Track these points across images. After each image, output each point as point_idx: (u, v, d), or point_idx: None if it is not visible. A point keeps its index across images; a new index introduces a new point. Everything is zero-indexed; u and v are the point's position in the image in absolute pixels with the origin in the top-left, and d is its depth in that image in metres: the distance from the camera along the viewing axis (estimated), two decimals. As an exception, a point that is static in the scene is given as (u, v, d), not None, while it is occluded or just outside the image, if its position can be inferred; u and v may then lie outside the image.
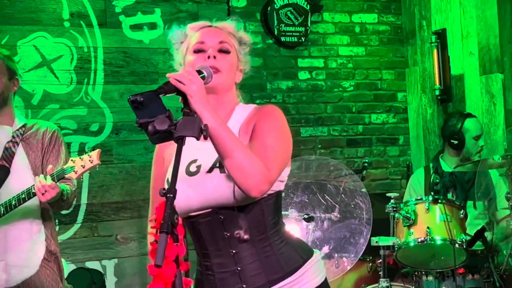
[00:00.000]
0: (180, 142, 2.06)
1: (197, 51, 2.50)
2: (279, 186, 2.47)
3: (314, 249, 2.64)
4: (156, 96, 2.13)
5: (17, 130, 3.83)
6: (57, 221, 5.39)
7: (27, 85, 5.37)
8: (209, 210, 2.41)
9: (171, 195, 1.97)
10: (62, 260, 4.95)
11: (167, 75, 2.22)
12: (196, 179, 2.41)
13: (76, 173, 3.46)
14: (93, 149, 3.58)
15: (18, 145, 3.79)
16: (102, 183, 5.61)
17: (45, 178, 3.44)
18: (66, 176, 3.47)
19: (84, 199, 5.54)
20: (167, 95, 2.17)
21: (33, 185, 3.50)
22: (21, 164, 3.77)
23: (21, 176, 3.72)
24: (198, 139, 2.07)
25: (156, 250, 1.88)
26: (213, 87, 2.43)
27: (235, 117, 2.52)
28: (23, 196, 3.55)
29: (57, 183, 3.47)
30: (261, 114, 2.48)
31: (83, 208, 5.53)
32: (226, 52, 2.50)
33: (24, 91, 5.34)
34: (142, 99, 2.11)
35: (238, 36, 2.58)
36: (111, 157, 5.65)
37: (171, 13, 5.90)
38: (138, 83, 5.74)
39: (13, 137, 3.80)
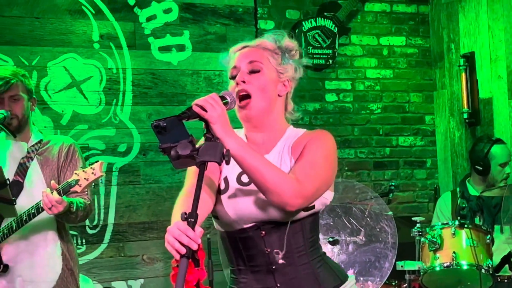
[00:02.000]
0: (202, 167, 2.08)
1: (232, 77, 2.54)
2: (319, 207, 2.49)
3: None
4: (179, 121, 2.15)
5: (33, 145, 3.86)
6: (84, 240, 5.44)
7: (57, 106, 5.43)
8: (252, 224, 2.44)
9: (192, 220, 1.99)
10: (88, 280, 5.00)
11: (193, 102, 2.24)
12: (248, 190, 2.44)
13: (80, 186, 3.47)
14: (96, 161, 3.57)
15: (32, 160, 3.82)
16: (129, 203, 5.64)
17: (51, 193, 3.45)
18: (71, 189, 3.48)
19: (111, 219, 5.57)
20: (190, 120, 2.19)
21: (41, 200, 3.52)
22: (35, 179, 3.80)
23: (35, 191, 3.74)
24: (220, 164, 2.09)
25: (177, 274, 1.89)
26: (248, 114, 2.48)
27: (285, 140, 2.54)
28: (33, 211, 3.56)
29: (64, 196, 3.48)
30: (312, 135, 2.52)
31: (110, 228, 5.56)
32: (257, 71, 2.51)
33: (54, 111, 5.41)
34: (165, 124, 2.14)
35: (277, 47, 2.56)
36: (138, 178, 5.68)
37: (200, 35, 5.94)
38: (166, 104, 5.78)
39: (28, 152, 3.84)
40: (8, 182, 3.44)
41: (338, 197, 4.57)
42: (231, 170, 2.49)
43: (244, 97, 2.48)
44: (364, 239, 4.41)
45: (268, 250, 2.44)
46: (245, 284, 2.51)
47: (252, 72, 2.51)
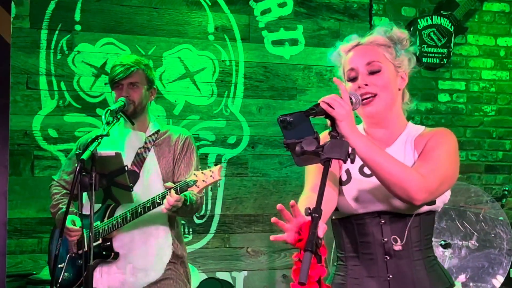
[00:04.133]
0: (327, 164, 2.05)
1: (351, 79, 2.53)
2: (439, 206, 2.50)
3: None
4: (305, 117, 2.13)
5: (150, 136, 3.91)
6: (191, 230, 5.51)
7: (170, 96, 5.52)
8: (371, 212, 2.45)
9: (317, 215, 1.97)
10: (194, 268, 5.06)
11: (320, 99, 2.23)
12: (370, 181, 2.44)
13: (198, 187, 3.47)
14: (224, 162, 3.59)
15: (149, 150, 3.88)
16: (236, 195, 5.68)
17: (170, 193, 3.49)
18: (188, 189, 3.50)
19: (218, 210, 5.62)
20: (316, 117, 2.17)
21: (158, 195, 3.56)
22: (151, 170, 3.85)
23: (150, 181, 3.81)
24: (345, 162, 2.06)
25: (300, 268, 1.87)
26: (371, 111, 2.48)
27: (406, 135, 2.55)
28: (148, 204, 3.61)
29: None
30: (435, 132, 2.52)
31: (216, 219, 5.61)
32: (377, 71, 2.50)
33: (167, 101, 5.50)
34: (291, 119, 2.12)
35: (390, 40, 2.55)
36: (246, 170, 5.72)
37: (313, 30, 5.92)
38: (277, 98, 5.79)
39: (145, 142, 3.90)
40: (126, 168, 3.50)
41: (451, 199, 4.47)
42: (345, 163, 2.47)
43: (368, 97, 2.48)
44: (476, 243, 4.30)
45: (385, 239, 2.45)
46: (354, 272, 2.51)
47: (372, 73, 2.50)
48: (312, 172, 2.48)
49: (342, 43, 2.62)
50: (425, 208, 2.42)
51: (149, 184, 3.79)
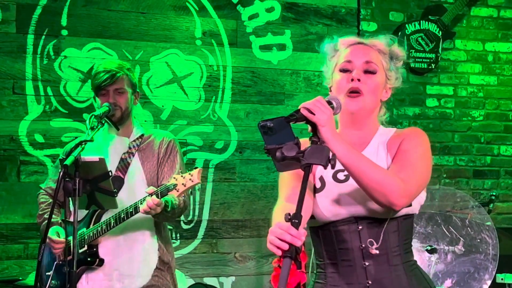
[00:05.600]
0: (307, 169, 2.05)
1: (343, 70, 2.52)
2: (415, 208, 2.49)
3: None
4: (286, 123, 2.13)
5: (134, 141, 3.91)
6: (178, 235, 5.49)
7: (157, 101, 5.51)
8: (348, 218, 2.44)
9: (297, 221, 1.97)
10: (181, 274, 5.05)
11: (301, 105, 2.22)
12: (345, 186, 2.44)
13: (177, 191, 3.49)
14: (197, 167, 3.60)
15: (133, 155, 3.87)
16: (223, 200, 5.67)
17: (150, 197, 3.49)
18: (168, 193, 3.50)
19: (205, 215, 5.61)
20: (297, 123, 2.17)
21: (140, 200, 3.55)
22: (135, 175, 3.84)
23: (135, 187, 3.80)
24: (325, 167, 2.06)
25: (279, 274, 1.87)
26: (355, 111, 2.48)
27: (378, 137, 2.55)
28: (131, 210, 3.60)
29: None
30: (407, 133, 2.52)
31: (204, 224, 5.60)
32: (372, 72, 2.51)
33: (154, 106, 5.48)
34: (272, 125, 2.12)
35: (389, 52, 2.57)
36: (234, 175, 5.71)
37: (301, 35, 5.92)
38: (264, 103, 5.78)
39: (129, 148, 3.89)
40: (110, 174, 3.50)
41: (437, 204, 4.48)
42: (326, 169, 2.47)
43: (355, 92, 2.48)
44: (463, 249, 4.30)
45: (363, 245, 2.43)
46: (333, 279, 2.49)
47: (367, 72, 2.50)
48: (286, 182, 2.47)
49: (341, 38, 2.61)
50: (403, 211, 2.41)
51: (134, 189, 3.78)
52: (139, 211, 3.57)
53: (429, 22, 6.25)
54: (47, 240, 3.60)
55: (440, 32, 6.27)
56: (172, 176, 3.55)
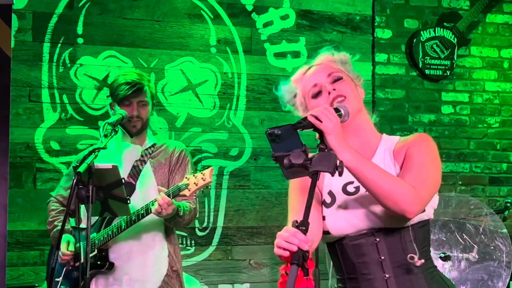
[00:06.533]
0: (315, 177, 2.06)
1: (316, 95, 2.54)
2: (430, 213, 2.48)
3: None
4: (293, 130, 2.14)
5: (146, 149, 3.97)
6: (193, 242, 5.51)
7: (172, 108, 5.53)
8: (364, 231, 2.43)
9: (304, 228, 1.98)
10: (196, 281, 5.07)
11: (308, 112, 2.24)
12: (356, 199, 2.44)
13: (189, 190, 3.54)
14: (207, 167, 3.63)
15: (145, 163, 3.93)
16: (238, 207, 5.68)
17: (161, 195, 3.54)
18: (180, 193, 3.55)
19: (220, 222, 5.62)
20: (304, 130, 2.18)
21: (151, 201, 3.60)
22: (146, 182, 3.89)
23: (146, 193, 3.84)
24: (332, 175, 2.06)
25: (286, 282, 1.88)
26: (350, 113, 2.45)
27: (383, 146, 2.54)
28: (142, 211, 3.66)
29: (174, 200, 3.57)
30: (413, 140, 2.51)
31: (218, 231, 5.61)
32: (339, 79, 2.53)
33: (169, 113, 5.51)
34: (279, 132, 2.14)
35: (338, 60, 2.60)
36: (248, 182, 5.72)
37: (315, 42, 5.93)
38: (279, 110, 5.77)
39: (142, 155, 3.95)
40: (123, 181, 3.52)
41: (451, 212, 4.47)
42: (334, 182, 2.50)
43: (340, 97, 2.49)
44: (477, 256, 4.29)
45: (383, 257, 2.42)
46: None
47: (335, 80, 2.52)
48: (294, 195, 2.50)
49: (288, 79, 2.65)
50: (416, 217, 2.40)
51: (145, 195, 3.82)
52: (150, 213, 3.61)
53: (444, 29, 6.24)
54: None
55: (456, 39, 6.26)
56: (184, 176, 3.60)
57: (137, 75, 3.95)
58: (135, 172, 3.90)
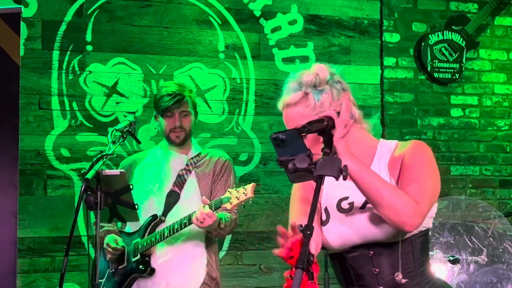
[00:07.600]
0: (319, 181, 2.07)
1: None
2: (428, 223, 2.46)
3: None
4: (298, 134, 2.16)
5: (191, 158, 4.04)
6: (203, 247, 5.51)
7: (181, 114, 5.55)
8: (359, 245, 2.43)
9: (309, 232, 1.98)
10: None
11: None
12: (350, 215, 2.43)
13: (231, 203, 3.59)
14: (249, 182, 3.70)
15: (190, 172, 3.99)
16: (248, 212, 5.69)
17: (203, 207, 3.59)
18: (222, 206, 3.60)
19: (230, 227, 5.62)
20: (309, 134, 2.19)
21: (194, 212, 3.65)
22: (191, 191, 3.96)
23: (190, 202, 3.90)
24: (337, 179, 2.07)
25: (291, 286, 1.89)
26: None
27: (379, 156, 2.51)
28: (185, 221, 3.72)
29: (215, 211, 3.62)
30: (410, 149, 2.46)
31: (229, 236, 5.61)
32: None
33: (178, 119, 5.52)
34: (284, 137, 2.15)
35: (303, 91, 2.46)
36: (257, 187, 5.71)
37: (324, 46, 5.94)
38: (288, 115, 5.79)
39: (187, 165, 4.01)
40: (131, 187, 3.54)
41: (460, 214, 4.46)
42: (330, 200, 2.50)
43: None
44: (486, 259, 4.28)
45: (377, 270, 2.42)
46: None
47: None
48: (296, 203, 2.56)
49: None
50: (412, 232, 2.38)
51: (189, 205, 3.87)
52: (192, 223, 3.66)
53: (453, 32, 6.24)
54: (105, 245, 3.86)
55: (464, 42, 6.26)
56: (227, 190, 3.64)
57: (177, 86, 4.02)
58: (180, 181, 3.97)
